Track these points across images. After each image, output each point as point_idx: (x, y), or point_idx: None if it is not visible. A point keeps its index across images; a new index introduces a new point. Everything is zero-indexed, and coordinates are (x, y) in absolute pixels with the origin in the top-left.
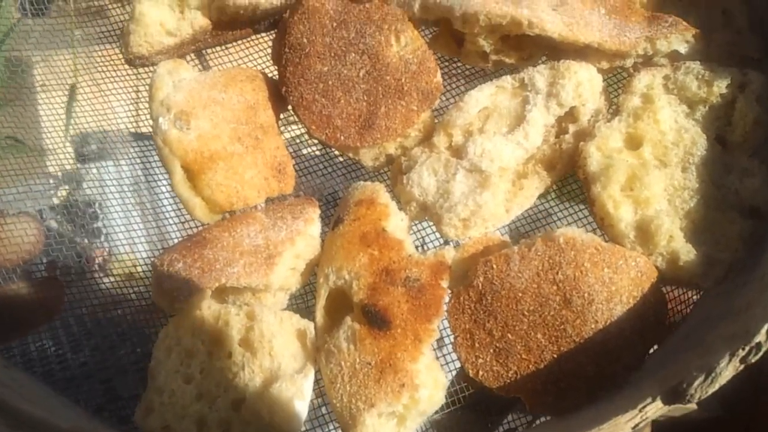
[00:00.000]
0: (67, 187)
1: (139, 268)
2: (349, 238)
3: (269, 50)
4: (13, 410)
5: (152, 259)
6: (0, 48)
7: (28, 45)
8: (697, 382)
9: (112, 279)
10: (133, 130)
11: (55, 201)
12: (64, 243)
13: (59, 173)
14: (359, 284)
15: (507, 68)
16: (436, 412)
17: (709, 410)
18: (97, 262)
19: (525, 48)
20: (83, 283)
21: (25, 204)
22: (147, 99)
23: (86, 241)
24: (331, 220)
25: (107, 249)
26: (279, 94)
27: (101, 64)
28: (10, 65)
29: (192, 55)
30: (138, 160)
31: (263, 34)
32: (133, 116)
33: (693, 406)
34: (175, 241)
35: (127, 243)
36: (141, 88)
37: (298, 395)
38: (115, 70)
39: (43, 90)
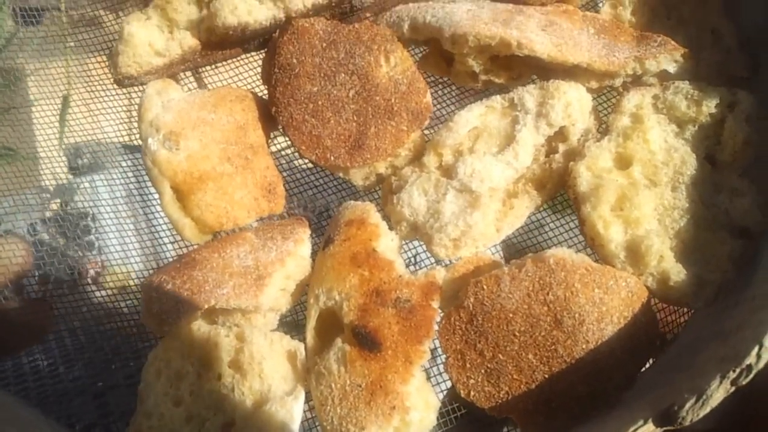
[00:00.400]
0: (59, 199)
1: (132, 281)
2: (340, 258)
3: (259, 69)
4: None
5: (145, 271)
6: None
7: (22, 54)
8: (688, 405)
9: (105, 292)
10: (126, 142)
11: (48, 214)
12: (57, 256)
13: (51, 186)
14: (349, 305)
15: (497, 88)
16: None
17: (704, 423)
18: (89, 275)
19: (514, 68)
20: (76, 296)
21: (17, 217)
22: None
23: (79, 253)
24: (322, 239)
25: (100, 262)
26: (269, 114)
27: (95, 74)
28: (4, 74)
29: (188, 72)
30: (131, 172)
31: (253, 53)
32: (125, 128)
33: None
34: (169, 253)
35: (120, 255)
36: (134, 99)
37: (288, 418)
38: (108, 81)
39: (36, 100)
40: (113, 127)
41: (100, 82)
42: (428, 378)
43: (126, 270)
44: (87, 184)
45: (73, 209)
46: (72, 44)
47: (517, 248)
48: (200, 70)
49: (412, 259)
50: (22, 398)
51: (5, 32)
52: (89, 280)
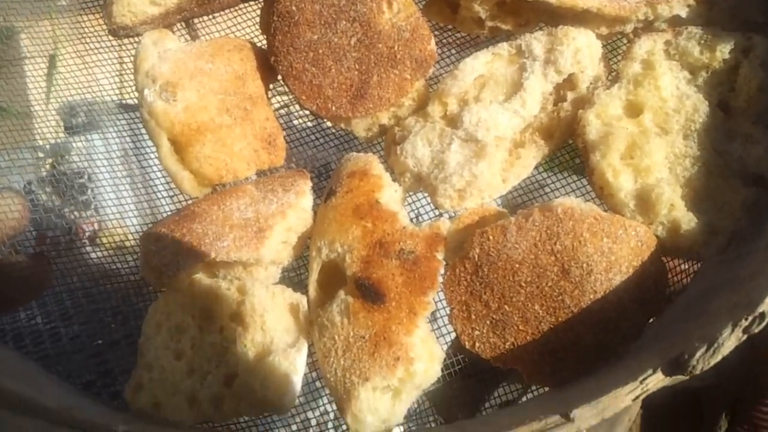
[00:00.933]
0: (55, 158)
1: (129, 240)
2: (342, 210)
3: (258, 19)
4: None
5: (143, 230)
6: None
7: (10, 12)
8: (699, 353)
9: (102, 251)
10: (120, 100)
11: (43, 173)
12: (53, 215)
13: (47, 144)
14: (352, 257)
15: (503, 35)
16: (432, 385)
17: (699, 379)
18: (87, 234)
19: (522, 14)
20: (73, 255)
21: (11, 175)
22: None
23: (75, 213)
24: (324, 192)
25: (97, 221)
26: (268, 64)
27: (87, 32)
28: None
29: (182, 23)
30: (126, 131)
31: (251, 3)
32: (120, 86)
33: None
34: (166, 211)
35: (117, 214)
36: (127, 58)
37: (291, 369)
38: (101, 40)
39: (28, 59)
40: (107, 84)
41: (93, 40)
42: (432, 330)
43: (123, 229)
44: (82, 143)
45: (69, 168)
46: (64, 3)
47: (518, 208)
48: (195, 21)
49: (415, 221)
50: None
51: None
52: (86, 240)
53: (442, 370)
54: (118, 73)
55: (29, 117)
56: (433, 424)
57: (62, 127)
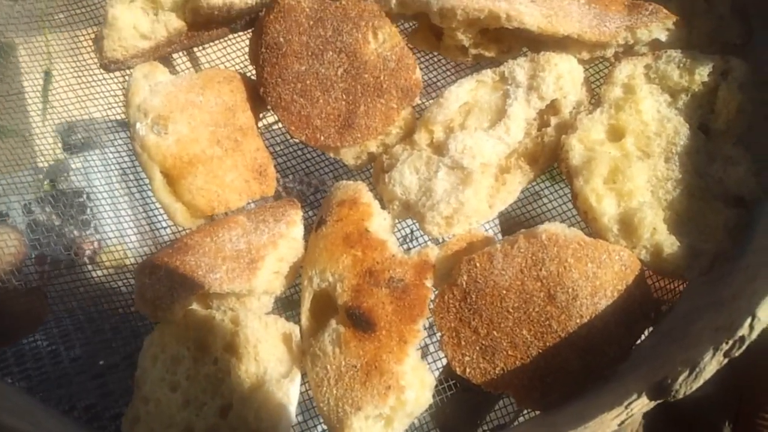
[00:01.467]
0: (53, 178)
1: (128, 258)
2: (332, 239)
3: (247, 49)
4: None
5: (142, 248)
6: None
7: (9, 28)
8: (681, 377)
9: (102, 271)
10: (119, 118)
11: (42, 193)
12: (52, 236)
13: (45, 165)
14: (343, 286)
15: (487, 62)
16: (426, 410)
17: (701, 388)
18: (86, 254)
19: (504, 41)
20: (73, 276)
21: (11, 196)
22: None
23: (75, 233)
24: (315, 220)
25: (96, 241)
26: (257, 95)
27: (83, 49)
28: None
29: (182, 53)
30: (124, 149)
31: (240, 33)
32: (117, 104)
33: None
34: (164, 230)
35: (116, 233)
36: (125, 76)
37: (285, 400)
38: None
39: (26, 75)
40: (106, 101)
41: (91, 56)
42: (424, 355)
43: (122, 248)
44: (80, 163)
45: (68, 188)
46: (62, 16)
47: (514, 220)
48: (186, 52)
49: (409, 236)
50: (23, 379)
51: None
52: (86, 260)
53: (435, 395)
54: (113, 92)
55: (27, 135)
56: None
57: (60, 146)
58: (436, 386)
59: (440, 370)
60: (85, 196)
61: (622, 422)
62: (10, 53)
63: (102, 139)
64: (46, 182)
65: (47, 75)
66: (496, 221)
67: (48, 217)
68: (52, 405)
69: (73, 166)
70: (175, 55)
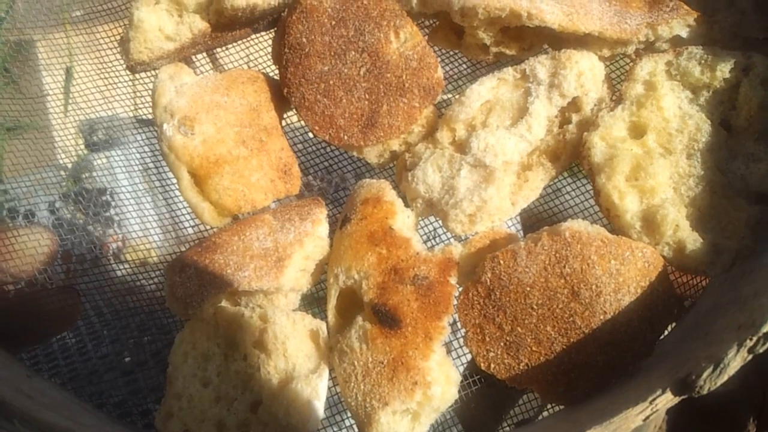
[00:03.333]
0: (77, 176)
1: (153, 256)
2: (357, 237)
3: (269, 49)
4: (38, 422)
5: (166, 244)
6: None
7: (28, 24)
8: (705, 374)
9: (127, 268)
10: (140, 116)
11: (66, 191)
12: (78, 233)
13: (68, 163)
14: (369, 284)
15: (508, 60)
16: (451, 406)
17: (726, 384)
18: (111, 250)
19: (525, 39)
20: (99, 272)
21: (36, 196)
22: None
23: (99, 230)
24: (339, 218)
25: (121, 237)
26: (281, 95)
27: (103, 45)
28: (13, 46)
29: (204, 53)
30: (146, 146)
31: (263, 34)
32: (141, 103)
33: None
34: (187, 224)
35: (140, 230)
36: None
37: (314, 395)
38: (116, 52)
39: (45, 71)
40: (127, 98)
41: (112, 53)
42: (449, 351)
43: (147, 245)
44: (104, 160)
45: (92, 186)
46: (79, 13)
47: (536, 216)
48: (212, 53)
49: (432, 233)
50: (53, 376)
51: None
52: (111, 257)
53: (460, 391)
54: (135, 89)
55: (49, 132)
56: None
57: (82, 144)
58: (461, 382)
59: (464, 365)
60: (108, 193)
61: (647, 417)
62: (30, 50)
63: (124, 137)
64: (70, 180)
65: (68, 72)
66: (518, 218)
67: (73, 214)
68: (84, 401)
69: (96, 164)
70: (198, 56)
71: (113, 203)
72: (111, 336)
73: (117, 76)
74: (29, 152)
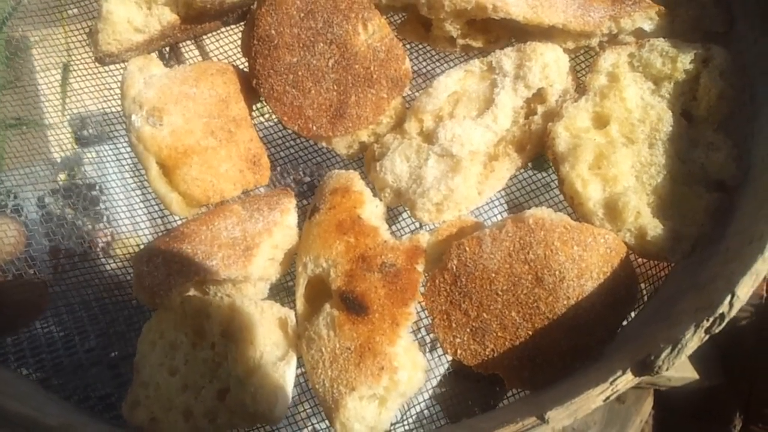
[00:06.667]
0: (66, 171)
1: None
2: (326, 226)
3: (239, 42)
4: (2, 410)
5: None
6: (1, 29)
7: (26, 23)
8: (664, 354)
9: (115, 263)
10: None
11: (56, 185)
12: (66, 227)
13: (59, 157)
14: (337, 272)
15: (475, 52)
16: (438, 384)
17: (711, 379)
18: (99, 245)
19: (492, 31)
20: (87, 267)
21: (24, 189)
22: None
23: (88, 225)
24: (308, 208)
25: (109, 232)
26: (250, 86)
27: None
28: (10, 46)
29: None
30: None
31: (233, 26)
32: None
33: (693, 375)
34: (177, 222)
35: (129, 225)
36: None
37: (281, 382)
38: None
39: (42, 70)
40: (116, 96)
41: None
42: (433, 348)
43: (136, 240)
44: (93, 155)
45: (81, 180)
46: (75, 11)
47: (522, 206)
48: (179, 45)
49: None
50: (38, 370)
51: (9, 2)
52: (100, 251)
53: (446, 385)
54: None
55: (44, 128)
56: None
57: (73, 139)
58: (447, 375)
59: (448, 363)
60: (98, 188)
61: (607, 398)
62: (27, 49)
63: (114, 132)
64: (60, 175)
65: (65, 68)
66: (504, 209)
67: (62, 209)
68: (67, 394)
69: (85, 158)
70: (167, 48)
71: (103, 198)
72: (97, 330)
73: (107, 72)
74: (20, 147)
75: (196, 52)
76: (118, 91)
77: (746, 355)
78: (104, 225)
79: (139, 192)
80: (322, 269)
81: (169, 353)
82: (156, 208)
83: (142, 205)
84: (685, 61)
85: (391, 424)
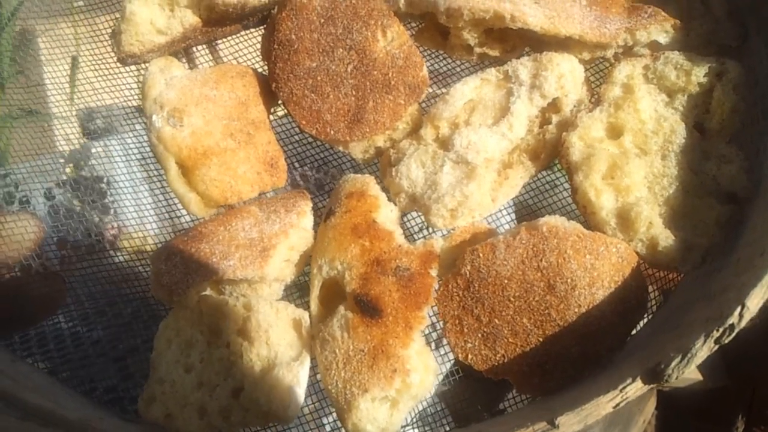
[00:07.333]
0: (74, 163)
1: (149, 244)
2: (341, 229)
3: (259, 45)
4: (22, 402)
5: (161, 234)
6: (9, 22)
7: (34, 15)
8: (674, 363)
9: (122, 256)
10: (138, 105)
11: (63, 178)
12: (74, 220)
13: (66, 150)
14: (351, 274)
15: (491, 61)
16: (444, 384)
17: (715, 381)
18: (106, 238)
19: (508, 40)
20: (94, 259)
21: (33, 180)
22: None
23: (95, 217)
24: (324, 211)
25: (116, 225)
26: (269, 90)
27: (104, 34)
28: (18, 37)
29: (182, 51)
30: (145, 136)
31: (253, 30)
32: (138, 90)
33: (697, 376)
34: (184, 216)
35: (136, 219)
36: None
37: (295, 382)
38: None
39: (48, 62)
40: (127, 87)
41: (110, 43)
42: (439, 347)
43: (142, 233)
44: (101, 148)
45: (89, 173)
46: (81, 3)
47: (530, 209)
48: (199, 48)
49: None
50: (45, 360)
51: None
52: (106, 245)
53: (450, 384)
54: (135, 76)
55: (52, 121)
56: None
57: (80, 132)
58: (450, 376)
59: (452, 361)
60: (105, 181)
61: (617, 405)
62: (33, 41)
63: (122, 125)
64: (68, 168)
65: (74, 60)
66: (512, 210)
67: (69, 202)
68: (74, 386)
69: (93, 152)
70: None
71: (110, 191)
72: (104, 323)
73: (117, 66)
74: (29, 140)
75: (218, 54)
76: (127, 84)
77: (750, 357)
78: (112, 218)
79: (146, 186)
80: (336, 272)
81: (185, 351)
82: (163, 201)
83: (149, 198)
84: (699, 74)
85: (402, 426)
